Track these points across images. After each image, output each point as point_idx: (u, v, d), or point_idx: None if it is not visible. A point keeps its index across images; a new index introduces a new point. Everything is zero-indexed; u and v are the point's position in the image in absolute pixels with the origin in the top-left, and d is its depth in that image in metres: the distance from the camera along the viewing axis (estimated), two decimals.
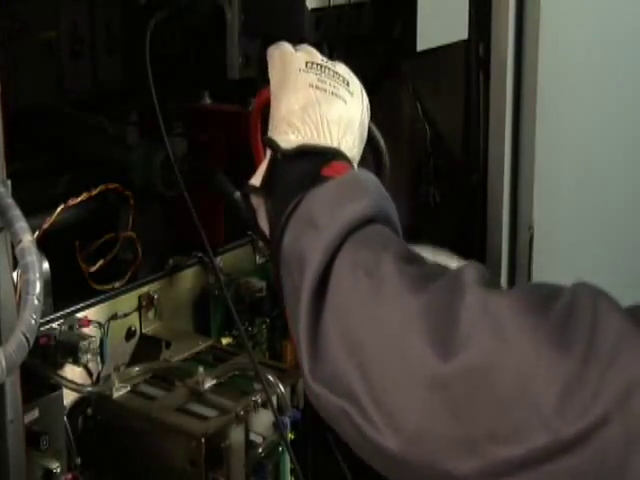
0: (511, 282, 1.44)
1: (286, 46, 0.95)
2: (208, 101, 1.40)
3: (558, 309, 0.66)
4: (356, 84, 0.94)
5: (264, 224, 0.88)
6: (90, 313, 1.12)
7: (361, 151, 0.93)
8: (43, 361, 1.05)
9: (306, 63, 0.92)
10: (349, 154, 0.89)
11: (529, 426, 0.64)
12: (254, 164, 0.96)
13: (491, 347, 0.66)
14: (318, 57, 0.94)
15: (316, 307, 0.77)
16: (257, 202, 0.88)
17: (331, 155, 0.87)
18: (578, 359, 0.64)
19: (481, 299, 0.68)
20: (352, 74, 0.94)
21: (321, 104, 0.89)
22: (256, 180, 0.88)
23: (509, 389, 0.65)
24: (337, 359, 0.74)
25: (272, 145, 0.88)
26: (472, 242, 1.42)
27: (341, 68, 0.94)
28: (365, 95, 0.94)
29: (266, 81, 0.96)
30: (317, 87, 0.90)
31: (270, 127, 0.91)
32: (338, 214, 0.79)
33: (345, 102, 0.91)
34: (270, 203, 0.86)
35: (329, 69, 0.92)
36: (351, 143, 0.90)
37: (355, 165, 0.90)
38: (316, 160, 0.86)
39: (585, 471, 0.63)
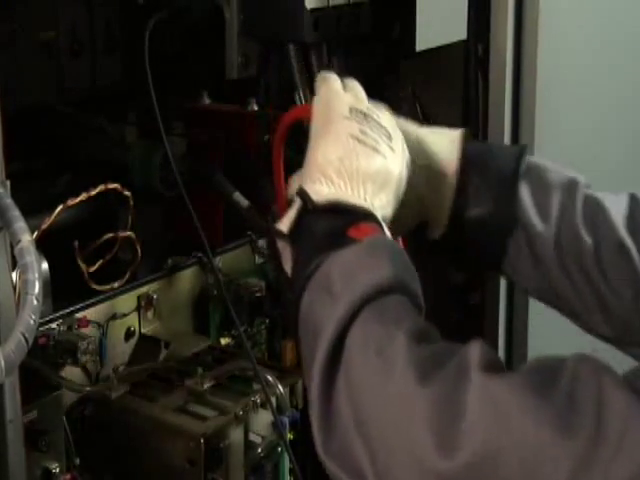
0: (509, 282, 1.44)
1: (333, 82, 0.92)
2: (207, 101, 1.40)
3: (561, 390, 0.65)
4: (398, 138, 0.90)
5: (288, 267, 0.86)
6: (89, 313, 1.11)
7: (395, 209, 0.90)
8: (42, 361, 1.05)
9: (350, 109, 0.89)
10: (381, 212, 0.86)
11: None
12: (274, 188, 0.96)
13: (495, 435, 0.66)
14: (364, 102, 0.91)
15: (329, 376, 0.76)
16: (282, 245, 0.87)
17: (361, 215, 0.84)
18: (585, 444, 0.63)
19: (484, 387, 0.68)
20: (396, 127, 0.91)
21: (359, 158, 0.86)
22: (284, 226, 0.86)
23: (516, 477, 0.65)
24: (346, 434, 0.74)
25: (303, 196, 0.86)
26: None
27: (385, 119, 0.91)
28: (407, 151, 0.91)
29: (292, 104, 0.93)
30: (358, 139, 0.87)
31: (304, 172, 0.88)
32: (354, 283, 0.78)
33: (385, 158, 0.87)
34: (295, 253, 0.85)
35: (373, 120, 0.89)
36: (385, 201, 0.87)
37: (385, 226, 0.86)
38: (345, 218, 0.84)
39: None
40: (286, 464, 1.13)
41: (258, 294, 1.27)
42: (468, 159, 0.96)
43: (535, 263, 0.96)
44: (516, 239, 0.95)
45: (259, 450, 1.11)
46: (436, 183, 0.97)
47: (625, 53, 1.62)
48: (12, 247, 0.83)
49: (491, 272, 1.01)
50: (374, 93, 1.47)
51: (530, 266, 0.96)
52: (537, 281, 0.97)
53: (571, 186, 0.95)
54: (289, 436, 1.13)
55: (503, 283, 1.46)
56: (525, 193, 0.95)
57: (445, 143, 0.97)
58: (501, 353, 1.47)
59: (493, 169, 0.95)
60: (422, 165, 0.96)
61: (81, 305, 1.11)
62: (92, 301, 1.12)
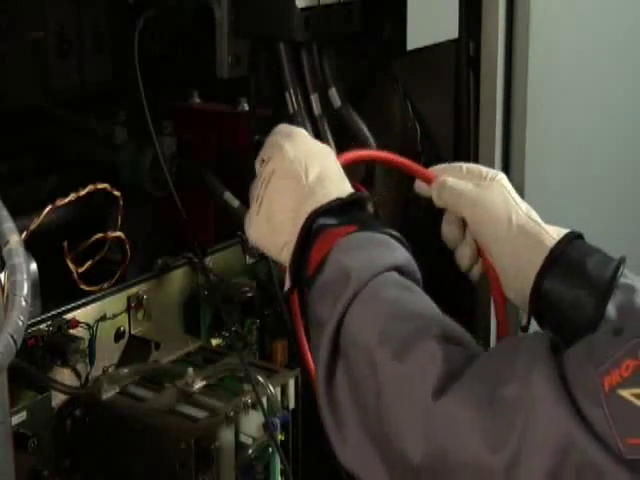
0: None
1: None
2: (197, 101, 1.40)
3: (504, 402, 0.70)
4: (266, 151, 0.95)
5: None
6: (79, 314, 1.11)
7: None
8: (31, 363, 1.05)
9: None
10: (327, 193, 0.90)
11: None
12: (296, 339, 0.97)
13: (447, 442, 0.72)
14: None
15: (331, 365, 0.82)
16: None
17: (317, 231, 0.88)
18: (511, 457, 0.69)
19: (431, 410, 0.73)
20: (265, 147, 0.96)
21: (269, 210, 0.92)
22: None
23: (467, 476, 0.72)
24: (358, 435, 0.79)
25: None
26: None
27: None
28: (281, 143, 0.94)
29: None
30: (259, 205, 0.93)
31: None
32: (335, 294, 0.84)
33: (267, 185, 0.92)
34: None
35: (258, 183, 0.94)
36: (319, 190, 0.91)
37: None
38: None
39: None
40: (277, 465, 1.13)
41: (249, 294, 1.27)
42: (558, 262, 0.94)
43: None
44: None
45: (250, 451, 1.10)
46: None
47: (617, 51, 1.61)
48: (0, 248, 0.82)
49: None
50: (365, 92, 1.48)
51: None
52: None
53: None
54: (280, 437, 1.13)
55: None
56: (611, 311, 0.91)
57: (531, 249, 0.95)
58: None
59: (584, 279, 0.92)
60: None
61: (70, 306, 1.11)
62: (81, 302, 1.12)
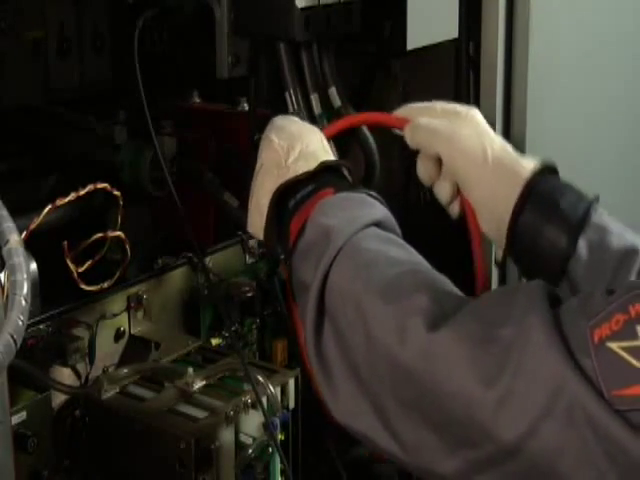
0: (502, 281, 1.44)
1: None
2: (197, 100, 1.40)
3: (500, 341, 0.72)
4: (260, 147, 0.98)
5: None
6: (78, 314, 1.11)
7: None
8: (31, 362, 1.04)
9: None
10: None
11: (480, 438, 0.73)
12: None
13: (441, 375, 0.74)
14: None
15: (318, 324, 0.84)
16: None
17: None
18: (501, 393, 0.71)
19: (425, 342, 0.75)
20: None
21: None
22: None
23: (458, 410, 0.73)
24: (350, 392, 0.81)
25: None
26: (463, 242, 1.41)
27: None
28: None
29: None
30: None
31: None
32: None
33: (256, 177, 0.96)
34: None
35: None
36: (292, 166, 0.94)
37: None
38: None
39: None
40: (277, 465, 1.13)
41: (249, 294, 1.27)
42: (532, 197, 0.95)
43: None
44: (562, 287, 0.94)
45: (250, 451, 1.10)
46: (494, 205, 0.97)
47: (617, 51, 1.61)
48: (0, 247, 0.82)
49: None
50: (365, 92, 1.47)
51: None
52: None
53: (628, 254, 0.92)
54: (280, 437, 1.13)
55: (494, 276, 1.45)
56: (582, 247, 0.93)
57: (508, 182, 0.96)
58: None
59: (557, 215, 0.94)
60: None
61: (70, 306, 1.10)
62: (81, 302, 1.12)
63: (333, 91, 1.25)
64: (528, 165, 0.96)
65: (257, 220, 0.95)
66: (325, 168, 0.94)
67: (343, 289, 0.81)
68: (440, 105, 1.00)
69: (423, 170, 1.01)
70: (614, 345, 0.67)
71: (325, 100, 1.25)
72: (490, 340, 0.72)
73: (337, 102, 1.26)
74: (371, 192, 0.91)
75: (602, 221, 0.93)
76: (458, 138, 0.96)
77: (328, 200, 0.89)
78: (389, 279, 0.80)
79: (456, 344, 0.73)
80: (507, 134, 1.40)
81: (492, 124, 1.38)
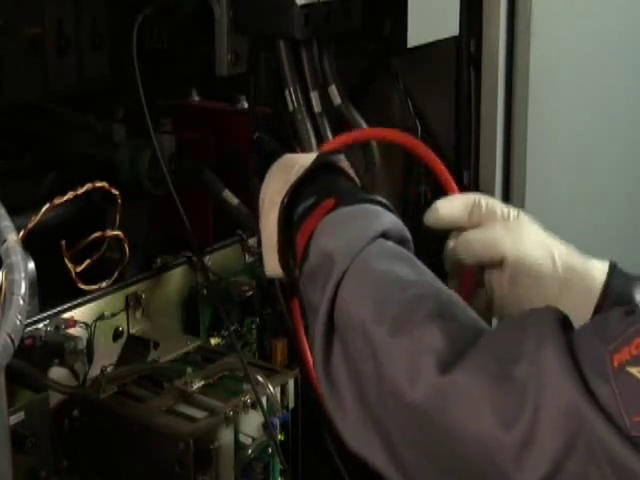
0: None
1: None
2: (196, 98, 1.39)
3: (516, 379, 0.69)
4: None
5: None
6: (76, 313, 1.10)
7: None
8: (28, 362, 1.04)
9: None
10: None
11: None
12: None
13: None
14: None
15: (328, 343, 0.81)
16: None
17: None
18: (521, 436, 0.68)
19: (437, 385, 0.72)
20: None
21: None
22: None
23: (474, 455, 0.70)
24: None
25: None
26: None
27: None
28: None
29: None
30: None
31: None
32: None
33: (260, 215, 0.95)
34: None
35: None
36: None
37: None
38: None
39: None
40: (277, 465, 1.13)
41: (248, 293, 1.26)
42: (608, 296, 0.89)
43: None
44: None
45: (249, 451, 1.10)
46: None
47: (619, 48, 1.61)
48: None
49: None
50: (365, 90, 1.47)
51: None
52: None
53: None
54: (280, 437, 1.12)
55: None
56: None
57: (582, 287, 0.89)
58: None
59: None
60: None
61: (68, 305, 1.10)
62: (80, 301, 1.11)
63: (333, 89, 1.25)
64: (597, 262, 0.90)
65: (272, 257, 0.92)
66: (323, 165, 0.92)
67: (351, 315, 0.78)
68: (485, 201, 0.93)
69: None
70: (635, 370, 0.65)
71: (325, 98, 1.25)
72: (506, 379, 0.69)
73: (337, 100, 1.25)
74: (375, 198, 0.87)
75: None
76: (521, 244, 0.89)
77: (330, 218, 0.85)
78: (397, 307, 0.76)
79: (470, 387, 0.70)
80: (508, 133, 1.39)
81: (493, 123, 1.38)
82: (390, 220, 0.85)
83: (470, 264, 0.92)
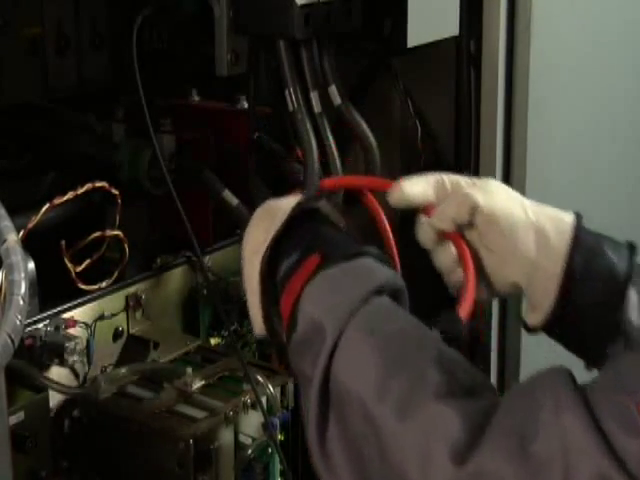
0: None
1: None
2: (196, 98, 1.39)
3: (539, 456, 0.66)
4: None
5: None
6: (76, 313, 1.10)
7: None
8: (28, 362, 1.04)
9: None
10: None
11: None
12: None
13: None
14: None
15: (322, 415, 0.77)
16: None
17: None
18: None
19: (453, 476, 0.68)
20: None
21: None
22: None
23: None
24: None
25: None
26: None
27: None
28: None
29: None
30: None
31: None
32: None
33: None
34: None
35: None
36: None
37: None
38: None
39: None
40: (276, 465, 1.12)
41: None
42: (577, 260, 0.90)
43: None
44: (616, 340, 0.90)
45: (249, 451, 1.10)
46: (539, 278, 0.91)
47: (619, 48, 1.61)
48: None
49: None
50: (365, 90, 1.47)
51: None
52: None
53: None
54: (279, 437, 1.12)
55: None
56: (633, 295, 0.89)
57: (554, 228, 0.91)
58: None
59: (603, 267, 0.89)
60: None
61: (68, 305, 1.10)
62: (79, 301, 1.11)
63: (333, 89, 1.24)
64: (567, 213, 0.92)
65: (258, 314, 0.87)
66: (305, 212, 0.87)
67: (348, 389, 0.74)
68: (447, 178, 0.93)
69: (444, 256, 0.93)
70: None
71: (325, 98, 1.24)
72: (528, 458, 0.65)
73: (337, 100, 1.25)
74: (361, 250, 0.83)
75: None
76: (492, 195, 0.91)
77: (316, 282, 0.80)
78: (398, 383, 0.71)
79: (492, 474, 0.66)
80: (508, 132, 1.39)
81: (493, 123, 1.38)
82: (381, 274, 0.81)
83: (448, 228, 0.91)
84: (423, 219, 0.92)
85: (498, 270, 0.92)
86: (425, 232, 0.92)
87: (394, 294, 0.81)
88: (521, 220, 0.90)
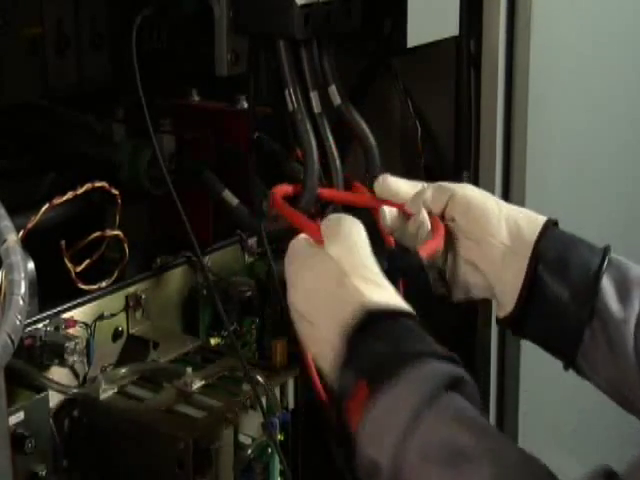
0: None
1: None
2: (196, 98, 1.39)
3: None
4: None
5: None
6: (76, 313, 1.10)
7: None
8: (28, 362, 1.04)
9: None
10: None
11: None
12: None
13: None
14: None
15: None
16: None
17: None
18: None
19: None
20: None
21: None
22: None
23: None
24: None
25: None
26: None
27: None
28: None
29: None
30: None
31: None
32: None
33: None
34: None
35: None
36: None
37: None
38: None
39: None
40: (276, 465, 1.12)
41: (248, 293, 1.26)
42: (548, 246, 0.96)
43: (610, 349, 0.94)
44: (593, 327, 0.94)
45: (249, 451, 1.10)
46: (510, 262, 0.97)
47: (619, 48, 1.61)
48: None
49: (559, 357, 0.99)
50: (365, 90, 1.47)
51: (604, 352, 0.95)
52: (609, 369, 0.95)
53: None
54: (279, 437, 1.12)
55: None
56: (607, 284, 0.94)
57: (526, 221, 0.98)
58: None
59: (576, 258, 0.95)
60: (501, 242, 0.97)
61: (68, 305, 1.10)
62: (79, 301, 1.11)
63: (333, 89, 1.24)
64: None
65: (327, 351, 0.83)
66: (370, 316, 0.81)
67: None
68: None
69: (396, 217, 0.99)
70: None
71: (325, 98, 1.24)
72: None
73: (337, 100, 1.25)
74: (420, 349, 0.78)
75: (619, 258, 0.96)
76: (469, 191, 0.99)
77: (369, 418, 0.76)
78: None
79: None
80: (508, 132, 1.39)
81: (493, 123, 1.38)
82: (449, 372, 0.77)
83: (417, 211, 0.97)
84: (383, 207, 1.00)
85: (473, 257, 0.98)
86: (387, 216, 0.99)
87: (454, 386, 0.77)
88: (494, 210, 0.98)
